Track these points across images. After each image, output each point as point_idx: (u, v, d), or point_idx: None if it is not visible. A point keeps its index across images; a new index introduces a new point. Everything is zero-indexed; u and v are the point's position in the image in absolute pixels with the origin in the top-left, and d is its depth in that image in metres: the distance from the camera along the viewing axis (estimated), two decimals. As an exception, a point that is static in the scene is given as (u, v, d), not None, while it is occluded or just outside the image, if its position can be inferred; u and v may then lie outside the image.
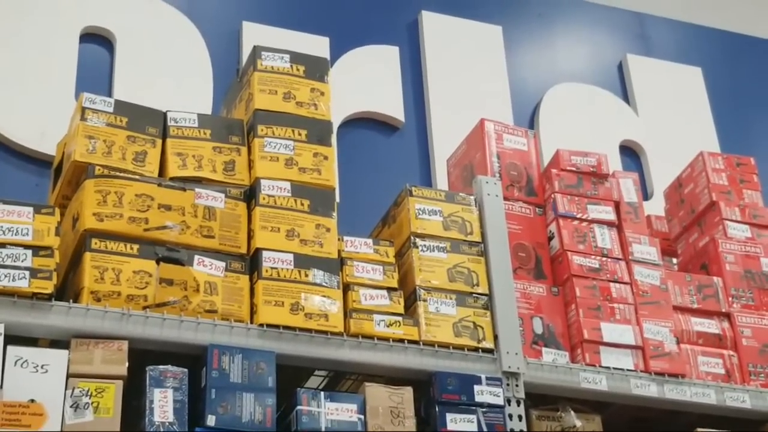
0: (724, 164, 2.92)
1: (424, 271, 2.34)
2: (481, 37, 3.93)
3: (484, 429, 2.16)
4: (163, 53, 3.36)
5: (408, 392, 2.15)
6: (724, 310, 2.66)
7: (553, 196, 2.62)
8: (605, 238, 2.59)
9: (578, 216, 2.61)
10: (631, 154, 4.02)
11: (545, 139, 3.63)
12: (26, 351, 1.91)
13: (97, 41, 3.32)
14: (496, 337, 2.32)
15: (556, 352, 2.41)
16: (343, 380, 2.30)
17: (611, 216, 2.64)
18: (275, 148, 2.31)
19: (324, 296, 2.18)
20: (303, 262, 2.20)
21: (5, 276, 1.94)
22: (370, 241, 2.34)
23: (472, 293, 2.35)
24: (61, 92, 3.12)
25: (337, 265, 2.24)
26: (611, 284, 2.53)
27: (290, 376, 2.17)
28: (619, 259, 2.58)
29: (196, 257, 2.14)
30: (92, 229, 2.09)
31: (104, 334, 1.99)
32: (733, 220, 2.82)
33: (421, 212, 2.41)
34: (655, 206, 3.38)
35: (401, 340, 2.22)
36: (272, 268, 2.17)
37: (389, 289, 2.28)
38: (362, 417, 2.08)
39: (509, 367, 2.29)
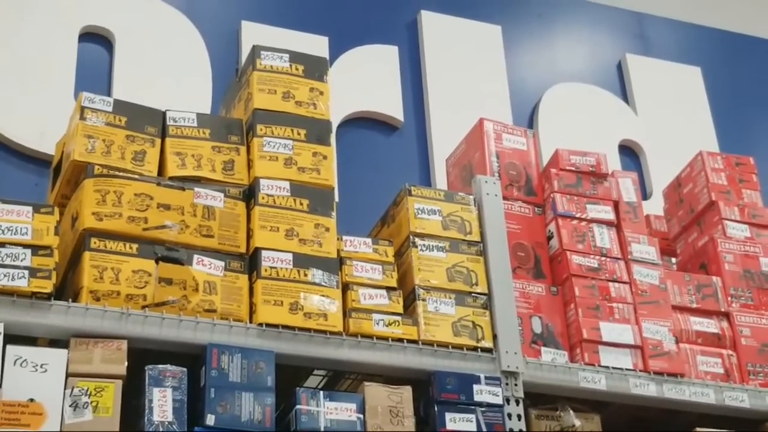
0: (723, 164, 2.92)
1: (423, 271, 2.34)
2: (480, 36, 3.93)
3: (483, 428, 2.16)
4: (163, 53, 3.36)
5: (407, 392, 2.15)
6: (723, 310, 2.66)
7: (552, 195, 2.62)
8: (604, 238, 2.60)
9: (577, 215, 2.61)
10: (630, 153, 4.02)
11: (544, 139, 3.63)
12: (25, 350, 1.91)
13: (97, 41, 3.32)
14: (495, 337, 2.32)
15: (555, 352, 2.41)
16: (342, 380, 2.30)
17: (610, 215, 2.64)
18: (274, 147, 2.31)
19: (323, 296, 2.18)
20: (302, 261, 2.20)
21: (4, 275, 1.93)
22: (369, 240, 2.34)
23: (471, 293, 2.35)
24: (61, 92, 3.12)
25: (336, 264, 2.24)
26: (610, 284, 2.53)
27: (289, 375, 2.17)
28: (618, 259, 2.58)
29: (196, 257, 2.14)
30: (91, 228, 2.09)
31: (103, 334, 1.99)
32: (732, 219, 2.82)
33: (420, 212, 2.41)
34: (654, 206, 3.38)
35: (400, 340, 2.22)
36: (271, 267, 2.17)
37: (388, 289, 2.28)
38: (361, 416, 2.08)
39: (508, 366, 2.29)
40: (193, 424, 1.96)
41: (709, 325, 2.61)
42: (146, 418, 1.91)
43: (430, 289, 2.32)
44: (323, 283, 2.19)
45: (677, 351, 2.50)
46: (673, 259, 2.97)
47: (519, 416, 2.24)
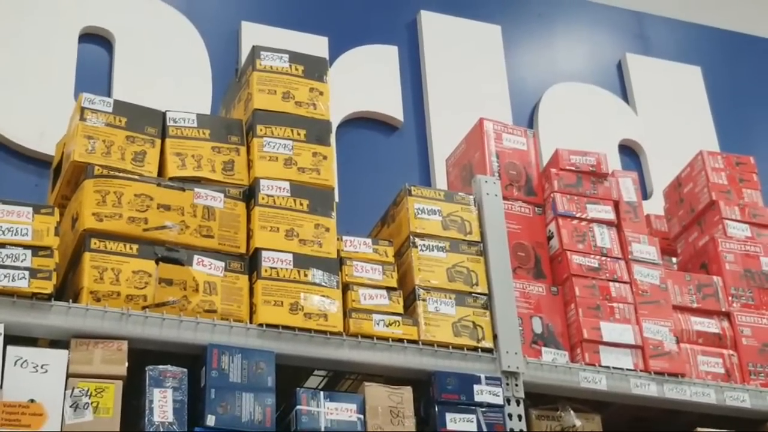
0: (723, 163, 2.92)
1: (423, 271, 2.34)
2: (480, 36, 3.93)
3: (484, 429, 2.16)
4: (162, 53, 3.36)
5: (407, 392, 2.15)
6: (723, 310, 2.66)
7: (552, 195, 2.62)
8: (605, 238, 2.59)
9: (577, 215, 2.61)
10: (630, 153, 4.02)
11: (544, 139, 3.63)
12: (26, 351, 1.91)
13: (96, 41, 3.32)
14: (495, 337, 2.32)
15: (556, 352, 2.40)
16: (343, 380, 2.30)
17: (610, 215, 2.64)
18: (274, 147, 2.31)
19: (323, 296, 2.18)
20: (302, 261, 2.20)
21: (5, 276, 1.93)
22: (369, 240, 2.34)
23: (471, 293, 2.35)
24: (61, 92, 3.12)
25: (336, 264, 2.24)
26: (611, 284, 2.53)
27: (290, 375, 2.16)
28: (619, 259, 2.58)
29: (196, 257, 2.13)
30: (91, 229, 2.09)
31: (104, 334, 1.98)
32: (732, 219, 2.82)
33: (420, 212, 2.41)
34: (655, 205, 3.37)
35: (400, 340, 2.22)
36: (271, 267, 2.17)
37: (388, 289, 2.28)
38: (362, 417, 2.08)
39: (509, 366, 2.29)
40: (194, 424, 1.96)
41: (710, 325, 2.61)
42: (147, 418, 1.91)
43: (430, 289, 2.32)
44: (323, 284, 2.19)
45: (678, 351, 2.50)
46: (674, 259, 2.97)
47: (519, 416, 2.24)
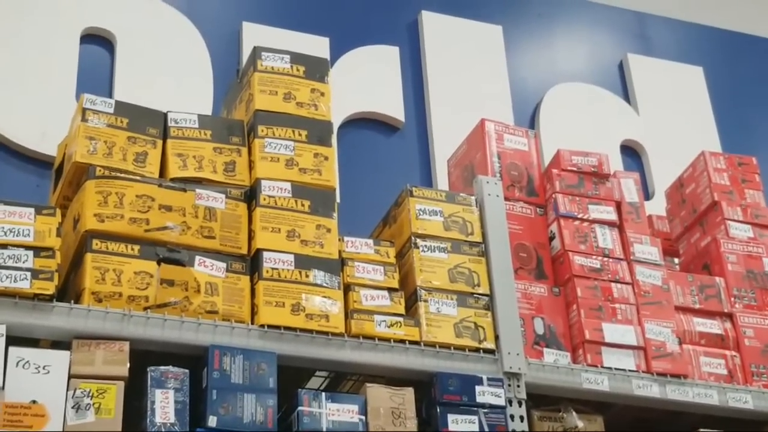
0: (725, 164, 2.92)
1: (424, 272, 2.34)
2: (481, 37, 3.93)
3: (486, 430, 2.16)
4: (164, 54, 3.36)
5: (409, 393, 2.14)
6: (726, 311, 2.66)
7: (554, 196, 2.62)
8: (606, 238, 2.59)
9: (579, 216, 2.61)
10: (632, 153, 4.01)
11: (546, 139, 3.63)
12: (28, 352, 1.91)
13: (98, 42, 3.32)
14: (497, 338, 2.32)
15: (558, 353, 2.40)
16: (344, 381, 2.30)
17: (612, 216, 2.64)
18: (275, 148, 2.31)
19: (325, 297, 2.18)
20: (304, 262, 2.20)
21: (7, 277, 1.93)
22: (370, 241, 2.34)
23: (473, 294, 2.35)
24: (62, 93, 3.12)
25: (337, 265, 2.24)
26: (613, 284, 2.52)
27: (291, 376, 2.16)
28: (621, 260, 2.57)
29: (197, 258, 2.13)
30: (93, 230, 2.09)
31: (105, 335, 1.98)
32: (735, 220, 2.82)
33: (421, 212, 2.41)
34: (657, 206, 3.37)
35: (402, 341, 2.22)
36: (273, 268, 2.17)
37: (390, 290, 2.27)
38: (363, 418, 2.08)
39: (510, 367, 2.28)
40: (195, 425, 1.96)
41: (713, 326, 2.61)
42: (148, 419, 1.91)
43: (431, 290, 2.32)
44: (325, 284, 2.19)
45: (680, 352, 2.50)
46: (676, 260, 2.97)
47: (521, 417, 2.24)
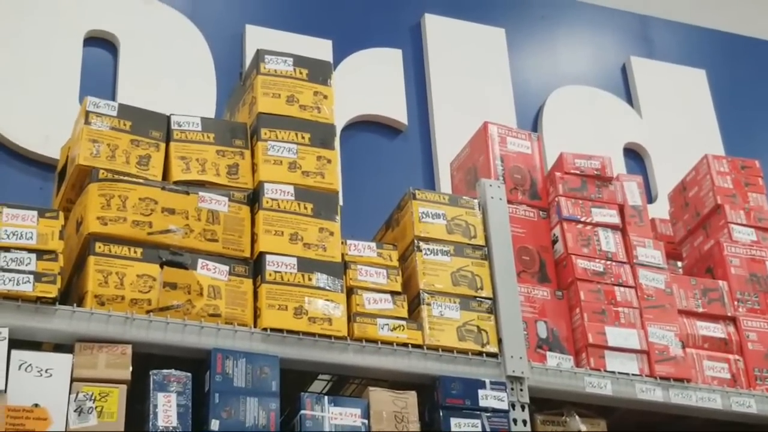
0: (728, 167, 2.91)
1: (427, 275, 2.33)
2: (484, 39, 3.93)
3: (489, 433, 2.15)
4: (167, 57, 3.36)
5: (412, 397, 2.14)
6: (729, 314, 2.65)
7: (557, 199, 2.62)
8: (609, 242, 2.59)
9: (582, 219, 2.60)
10: (635, 156, 4.01)
11: (549, 142, 3.62)
12: (30, 355, 1.91)
13: (101, 45, 3.32)
14: (500, 341, 2.32)
15: (561, 357, 2.40)
16: (347, 384, 2.30)
17: (615, 219, 2.63)
18: (278, 151, 2.31)
19: (327, 300, 2.18)
20: (306, 265, 2.20)
21: (9, 280, 1.93)
22: (373, 244, 2.34)
23: (476, 297, 2.34)
24: (65, 96, 3.12)
25: (340, 268, 2.24)
26: (616, 288, 2.52)
27: (294, 380, 2.16)
28: (624, 263, 2.57)
29: (200, 261, 2.13)
30: (96, 232, 2.09)
31: (108, 338, 1.98)
32: (738, 223, 2.81)
33: (424, 216, 2.41)
34: (660, 209, 3.36)
35: (405, 344, 2.21)
36: (276, 271, 2.17)
37: (393, 293, 2.27)
38: (366, 421, 2.07)
39: (513, 371, 2.28)
40: (198, 429, 1.96)
41: (716, 330, 2.60)
42: (151, 423, 1.91)
43: (434, 293, 2.31)
44: (328, 288, 2.19)
45: (683, 356, 2.49)
46: (679, 263, 2.96)
47: (524, 421, 2.23)
